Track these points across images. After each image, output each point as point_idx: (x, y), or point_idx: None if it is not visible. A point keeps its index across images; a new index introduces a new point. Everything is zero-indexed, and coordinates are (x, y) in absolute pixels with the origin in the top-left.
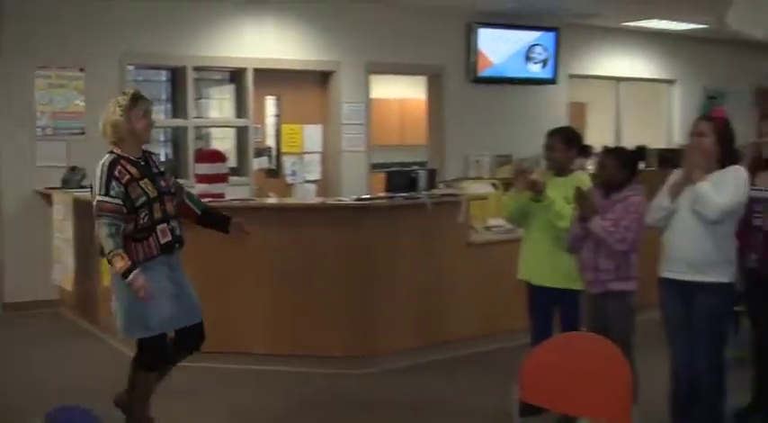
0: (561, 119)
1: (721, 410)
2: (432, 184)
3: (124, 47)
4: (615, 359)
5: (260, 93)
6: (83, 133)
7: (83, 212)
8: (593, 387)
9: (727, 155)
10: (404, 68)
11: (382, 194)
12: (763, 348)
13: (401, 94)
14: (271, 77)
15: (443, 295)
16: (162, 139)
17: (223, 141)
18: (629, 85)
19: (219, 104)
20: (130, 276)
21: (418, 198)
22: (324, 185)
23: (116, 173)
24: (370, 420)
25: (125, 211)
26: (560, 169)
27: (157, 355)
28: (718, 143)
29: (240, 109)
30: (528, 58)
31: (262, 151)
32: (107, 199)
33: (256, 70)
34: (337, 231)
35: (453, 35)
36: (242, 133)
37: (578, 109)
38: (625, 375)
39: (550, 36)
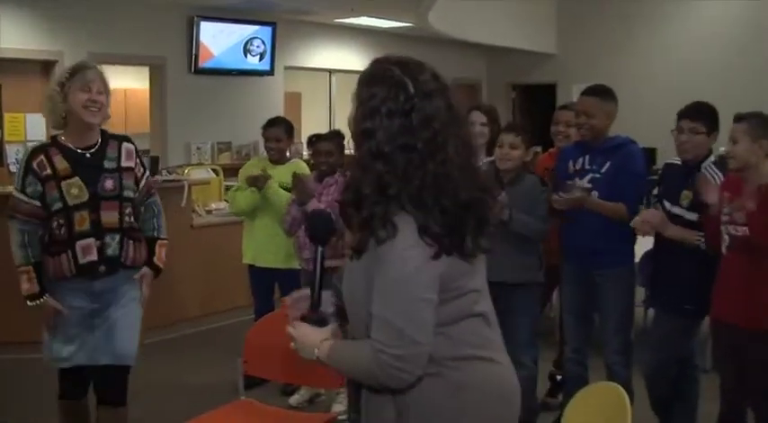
0: (278, 108)
1: None
2: (155, 170)
3: None
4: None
5: None
6: None
7: None
8: None
9: None
10: (127, 59)
11: None
12: None
13: (125, 84)
14: None
15: (168, 277)
16: None
17: None
18: (342, 77)
19: None
20: (34, 302)
21: None
22: None
23: (34, 165)
24: None
25: (45, 214)
26: (281, 158)
27: (66, 384)
28: None
29: None
30: (247, 51)
31: None
32: (22, 197)
33: None
34: None
35: (175, 27)
36: None
37: (294, 99)
38: None
39: (268, 30)
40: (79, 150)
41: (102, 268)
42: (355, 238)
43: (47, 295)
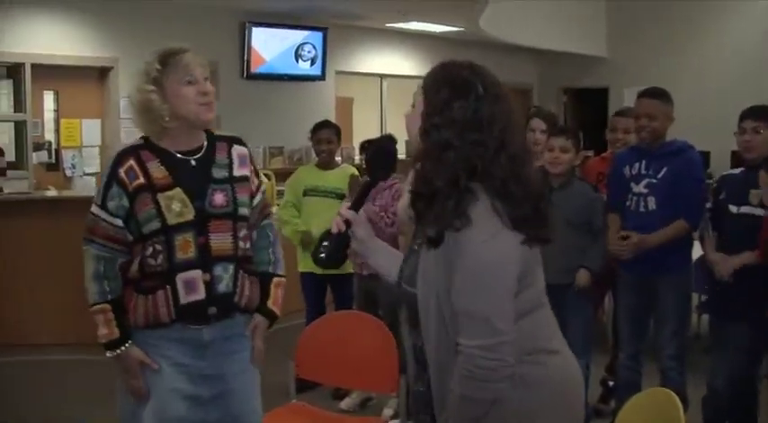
0: (330, 113)
1: None
2: None
3: None
4: (382, 335)
5: (38, 87)
6: None
7: None
8: (363, 361)
9: None
10: None
11: None
12: None
13: None
14: (49, 72)
15: None
16: None
17: (1, 136)
18: (393, 82)
19: None
20: (114, 352)
21: None
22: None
23: (121, 172)
24: None
25: (129, 238)
26: (331, 161)
27: None
28: None
29: (18, 104)
30: (298, 56)
31: (41, 145)
32: (101, 213)
33: (34, 65)
34: None
35: (228, 33)
36: (20, 128)
37: (345, 104)
38: (392, 349)
39: (319, 35)
40: (180, 155)
41: (213, 310)
42: (431, 230)
43: (130, 343)
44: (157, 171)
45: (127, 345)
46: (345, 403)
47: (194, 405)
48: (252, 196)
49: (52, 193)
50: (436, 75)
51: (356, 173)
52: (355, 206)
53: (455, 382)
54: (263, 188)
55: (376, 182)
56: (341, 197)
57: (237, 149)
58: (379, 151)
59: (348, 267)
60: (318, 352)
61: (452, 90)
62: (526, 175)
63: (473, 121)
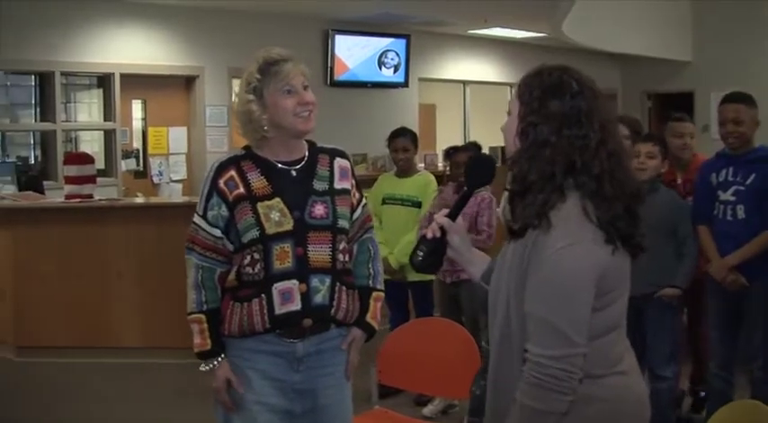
0: (413, 120)
1: None
2: None
3: None
4: (465, 341)
5: (127, 96)
6: None
7: None
8: (445, 368)
9: None
10: None
11: None
12: None
13: None
14: (137, 82)
15: None
16: (31, 142)
17: (91, 144)
18: (476, 88)
19: (88, 108)
20: (206, 366)
21: None
22: (189, 185)
23: (221, 183)
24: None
25: (230, 248)
26: (409, 169)
27: None
28: None
29: (108, 112)
30: (381, 63)
31: (129, 153)
32: (201, 223)
33: (123, 75)
34: None
35: (312, 41)
36: (109, 136)
37: (428, 110)
38: (474, 356)
39: (402, 42)
40: (281, 165)
41: (308, 322)
42: (516, 223)
43: (222, 356)
44: (258, 181)
45: (218, 360)
46: (428, 410)
47: (286, 420)
48: (352, 209)
49: (140, 199)
50: (528, 79)
51: (434, 182)
52: (452, 214)
53: (519, 391)
54: (364, 202)
55: (472, 192)
56: (417, 205)
57: (339, 162)
58: (478, 161)
59: (429, 275)
60: (401, 358)
61: (547, 90)
62: (623, 172)
63: (572, 116)
